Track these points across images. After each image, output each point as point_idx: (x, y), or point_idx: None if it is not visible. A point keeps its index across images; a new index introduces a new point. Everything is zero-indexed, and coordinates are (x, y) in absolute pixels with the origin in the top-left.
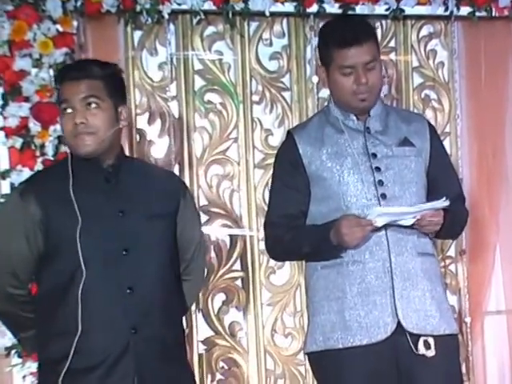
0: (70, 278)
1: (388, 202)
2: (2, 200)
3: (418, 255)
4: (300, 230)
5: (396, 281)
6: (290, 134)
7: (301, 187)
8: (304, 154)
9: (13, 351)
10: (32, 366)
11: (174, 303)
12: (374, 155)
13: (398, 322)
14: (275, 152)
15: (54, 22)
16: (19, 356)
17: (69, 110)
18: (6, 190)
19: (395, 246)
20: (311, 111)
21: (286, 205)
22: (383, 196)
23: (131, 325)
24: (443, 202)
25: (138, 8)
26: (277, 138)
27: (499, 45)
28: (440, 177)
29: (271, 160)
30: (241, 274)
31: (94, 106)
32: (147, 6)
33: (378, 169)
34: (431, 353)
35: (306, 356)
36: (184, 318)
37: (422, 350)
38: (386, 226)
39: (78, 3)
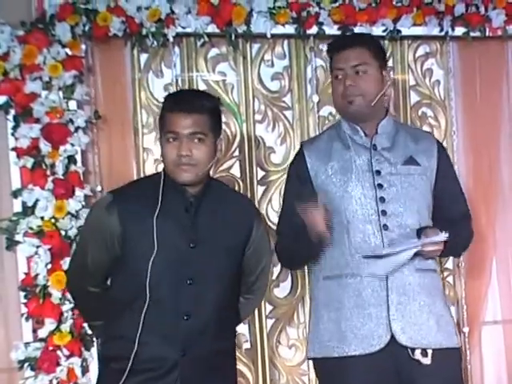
0: (135, 295)
1: (388, 219)
2: (13, 218)
3: (416, 271)
4: (300, 236)
5: (391, 295)
6: (301, 147)
7: (308, 199)
8: (311, 167)
9: (26, 364)
10: (44, 378)
11: (227, 324)
12: (378, 172)
13: (392, 335)
14: (277, 169)
15: (63, 46)
16: (32, 369)
17: (174, 141)
18: (18, 208)
19: None
20: (312, 129)
21: (293, 215)
22: (383, 212)
23: (181, 349)
24: (442, 237)
25: (144, 31)
26: (279, 156)
27: (493, 63)
28: (446, 196)
29: (274, 177)
30: None
31: (198, 139)
32: (153, 29)
33: (380, 186)
34: (427, 361)
35: (311, 361)
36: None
37: (418, 356)
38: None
39: (86, 27)
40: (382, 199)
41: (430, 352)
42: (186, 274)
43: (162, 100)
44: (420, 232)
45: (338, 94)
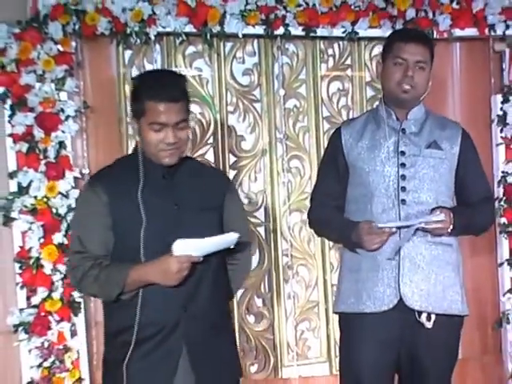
0: (131, 262)
1: (406, 195)
2: (10, 197)
3: (427, 243)
4: (333, 219)
5: (402, 263)
6: (339, 126)
7: (340, 172)
8: (345, 144)
9: (20, 328)
10: (37, 341)
11: (219, 285)
12: (403, 153)
13: (401, 298)
14: (247, 155)
15: (55, 43)
16: (26, 332)
17: (159, 130)
18: (14, 188)
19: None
20: (279, 120)
21: (327, 185)
22: (403, 189)
23: (182, 304)
24: (437, 217)
25: (128, 30)
26: (249, 143)
27: (440, 63)
28: (467, 179)
29: (244, 162)
30: None
31: (182, 126)
32: (136, 28)
33: (403, 165)
34: (429, 325)
35: (276, 327)
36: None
37: (423, 319)
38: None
39: (76, 26)
40: (403, 177)
41: (433, 317)
42: (177, 233)
43: (136, 80)
44: (432, 210)
45: (394, 79)
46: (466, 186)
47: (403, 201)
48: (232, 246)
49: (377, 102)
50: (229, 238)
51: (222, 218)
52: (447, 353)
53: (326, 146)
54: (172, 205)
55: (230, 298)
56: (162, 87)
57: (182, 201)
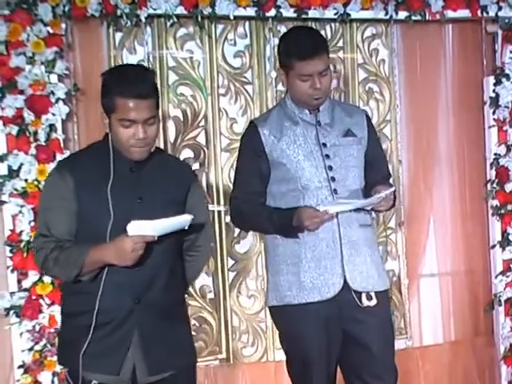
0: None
1: (337, 184)
2: (0, 180)
3: (359, 226)
4: (264, 211)
5: (344, 248)
6: (253, 124)
7: (263, 171)
8: (266, 143)
9: (11, 311)
10: (28, 324)
11: (175, 275)
12: (324, 144)
13: (345, 283)
14: (239, 138)
15: (45, 25)
16: (17, 316)
17: (129, 126)
18: (4, 171)
19: (343, 220)
20: (270, 102)
21: (250, 184)
22: (333, 179)
23: (136, 296)
24: (390, 189)
25: (119, 12)
26: (240, 126)
27: (432, 44)
28: (374, 159)
29: (236, 144)
30: None
31: (151, 122)
32: (127, 10)
33: (327, 156)
34: (373, 302)
35: (268, 309)
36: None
37: (365, 302)
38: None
39: (66, 8)
40: (330, 167)
41: (373, 295)
42: None
43: (106, 75)
44: (369, 192)
45: (305, 93)
46: (372, 166)
47: (335, 190)
48: (186, 227)
49: (282, 96)
50: (182, 219)
51: (185, 209)
52: (389, 328)
53: (240, 144)
54: (136, 198)
55: (186, 289)
56: (132, 84)
57: (146, 195)
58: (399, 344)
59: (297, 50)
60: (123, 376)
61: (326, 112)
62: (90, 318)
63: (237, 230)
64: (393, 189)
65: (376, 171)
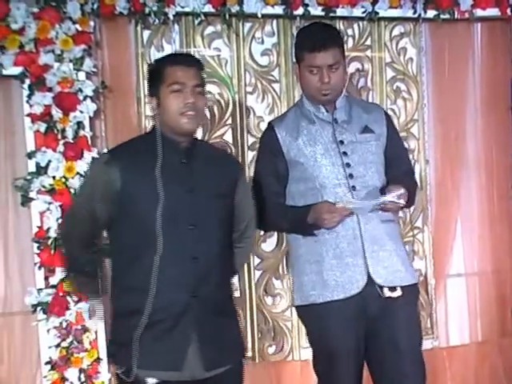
0: (145, 245)
1: (355, 181)
2: (28, 177)
3: (381, 222)
4: (282, 209)
5: (366, 244)
6: (270, 125)
7: (281, 171)
8: (283, 143)
9: (38, 308)
10: (55, 321)
11: (227, 269)
12: (342, 142)
13: (369, 278)
14: None
15: (74, 23)
16: (44, 312)
17: (178, 92)
18: (32, 168)
19: (363, 217)
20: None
21: (270, 184)
22: (351, 176)
23: (192, 289)
24: (400, 191)
25: (147, 10)
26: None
27: (461, 43)
28: (394, 156)
29: None
30: None
31: (199, 90)
32: (155, 8)
33: (345, 153)
34: (397, 293)
35: (295, 309)
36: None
37: (387, 293)
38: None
39: (95, 6)
40: (348, 164)
41: (398, 288)
42: (188, 219)
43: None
44: (383, 190)
45: (313, 86)
46: (392, 163)
47: (353, 187)
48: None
49: (300, 98)
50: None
51: (234, 201)
52: (417, 324)
53: (259, 145)
54: (187, 190)
55: (234, 276)
56: (181, 56)
57: (197, 187)
58: (426, 344)
59: (307, 42)
60: (185, 372)
61: (343, 110)
62: (145, 316)
63: None
64: (402, 190)
65: (396, 168)
